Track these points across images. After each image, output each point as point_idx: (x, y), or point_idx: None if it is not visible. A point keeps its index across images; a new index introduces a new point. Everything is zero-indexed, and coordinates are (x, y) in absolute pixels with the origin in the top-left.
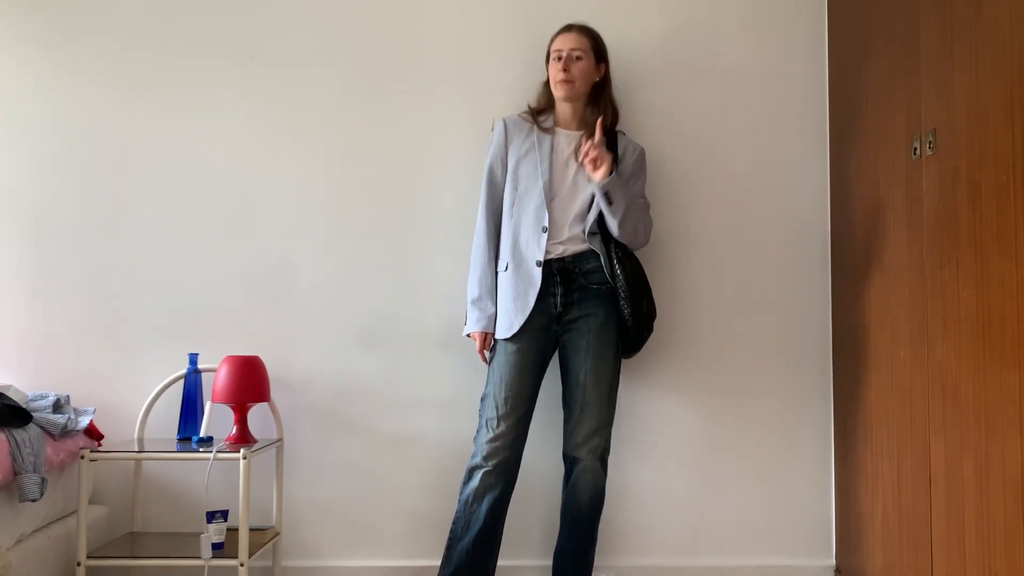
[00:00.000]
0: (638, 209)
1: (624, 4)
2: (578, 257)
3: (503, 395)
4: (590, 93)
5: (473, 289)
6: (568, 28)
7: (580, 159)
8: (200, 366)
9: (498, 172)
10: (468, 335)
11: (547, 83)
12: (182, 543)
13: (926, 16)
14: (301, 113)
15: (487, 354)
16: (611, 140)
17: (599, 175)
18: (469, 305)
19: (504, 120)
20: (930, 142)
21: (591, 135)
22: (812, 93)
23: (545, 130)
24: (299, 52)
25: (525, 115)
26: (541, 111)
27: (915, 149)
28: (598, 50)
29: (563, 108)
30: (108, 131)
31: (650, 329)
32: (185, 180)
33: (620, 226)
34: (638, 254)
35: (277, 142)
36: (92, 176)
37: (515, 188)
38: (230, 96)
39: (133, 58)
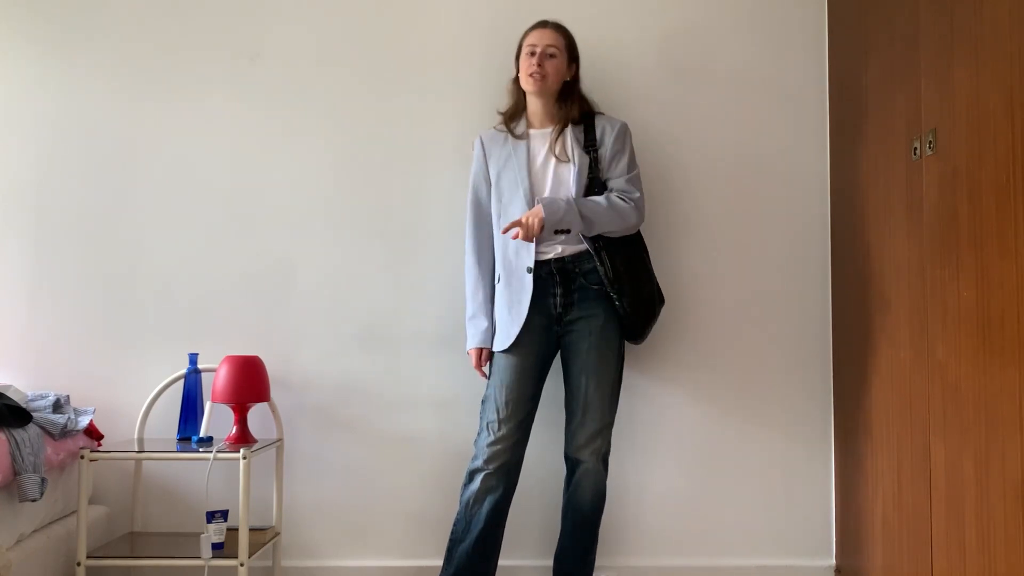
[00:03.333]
0: (600, 210)
1: (624, 5)
2: (577, 257)
3: (504, 398)
4: (560, 90)
5: (468, 307)
6: (543, 24)
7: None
8: (200, 366)
9: (483, 189)
10: (468, 352)
11: (515, 80)
12: (182, 543)
13: (926, 16)
14: (301, 113)
15: (485, 369)
16: (587, 125)
17: (530, 240)
18: (466, 322)
19: (480, 137)
20: (930, 142)
21: (563, 130)
22: (812, 93)
23: (519, 137)
24: (299, 52)
25: (499, 126)
26: (512, 116)
27: (915, 149)
28: (571, 50)
29: (533, 105)
30: (108, 131)
31: (653, 315)
32: (185, 180)
33: (592, 233)
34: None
35: (277, 142)
36: (92, 176)
37: (500, 200)
38: (230, 96)
39: (133, 58)
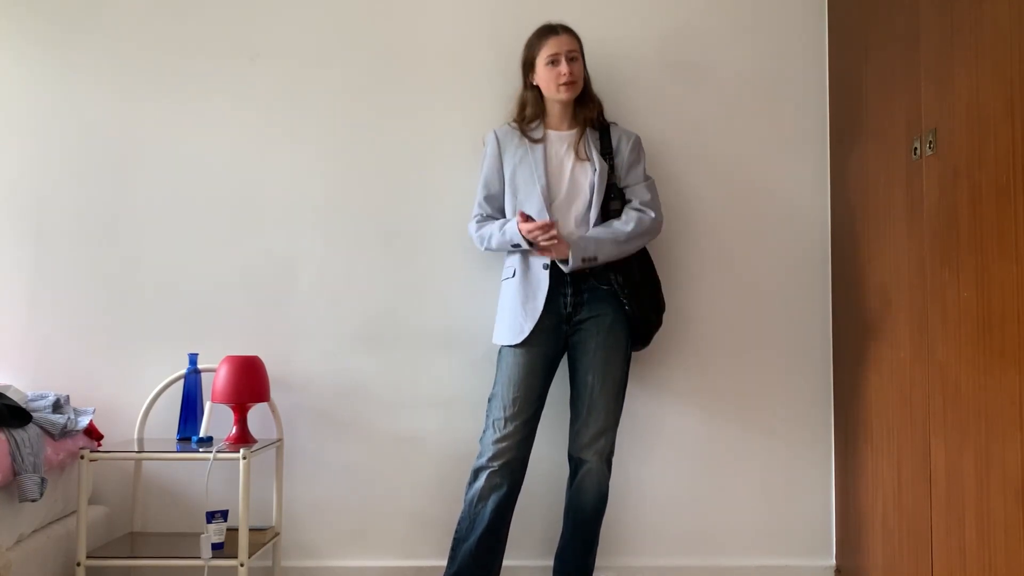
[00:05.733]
0: (621, 238)
1: (624, 6)
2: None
3: (511, 396)
4: None
5: (495, 237)
6: (555, 31)
7: (539, 246)
8: (200, 366)
9: (496, 183)
10: (522, 237)
11: (528, 89)
12: (182, 543)
13: (926, 16)
14: (301, 113)
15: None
16: (603, 133)
17: (562, 261)
18: (498, 233)
19: (495, 132)
20: (930, 142)
21: (584, 131)
22: (812, 93)
23: (536, 140)
24: (299, 52)
25: (513, 124)
26: (529, 120)
27: (915, 149)
28: (582, 50)
29: (554, 110)
30: (108, 131)
31: (658, 323)
32: (185, 180)
33: (619, 258)
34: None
35: (277, 142)
36: (92, 176)
37: (514, 196)
38: (230, 96)
39: (133, 58)
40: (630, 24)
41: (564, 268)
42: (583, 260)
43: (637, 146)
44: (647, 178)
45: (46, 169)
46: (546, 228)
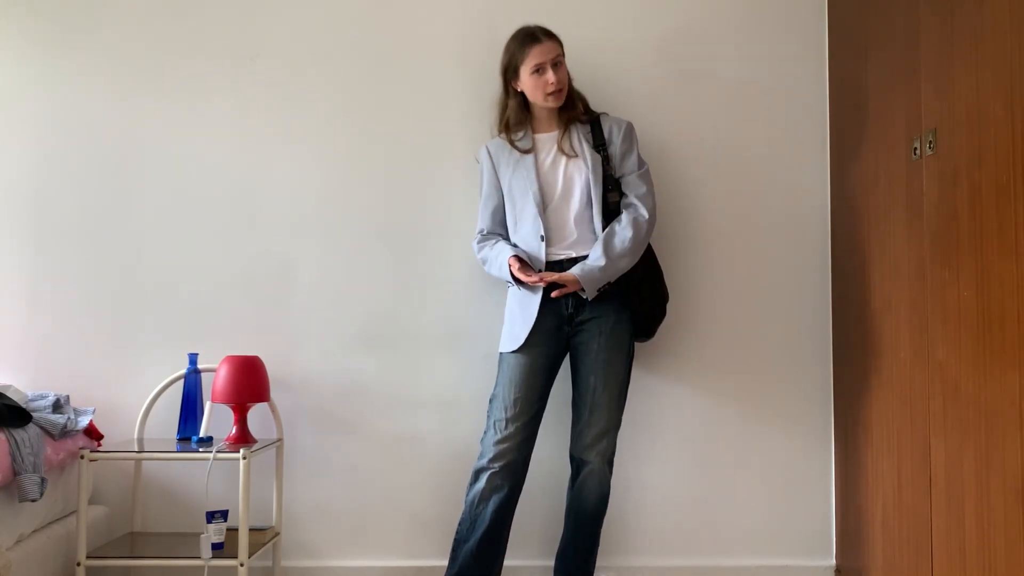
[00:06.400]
0: (626, 253)
1: (624, 8)
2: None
3: (512, 396)
4: None
5: (491, 259)
6: (537, 38)
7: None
8: (200, 366)
9: (496, 197)
10: (511, 271)
11: (512, 96)
12: (182, 543)
13: (926, 16)
14: (301, 113)
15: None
16: (594, 125)
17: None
18: (494, 260)
19: (487, 146)
20: (930, 142)
21: (568, 128)
22: (812, 93)
23: (526, 151)
24: (299, 52)
25: (503, 137)
26: (516, 127)
27: (915, 149)
28: (563, 51)
29: (541, 114)
30: (108, 131)
31: (662, 313)
32: (185, 180)
33: (627, 270)
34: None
35: (277, 142)
36: (92, 176)
37: (513, 206)
38: (230, 96)
39: (133, 58)
40: (629, 26)
41: (584, 296)
42: (598, 290)
43: (629, 134)
44: (641, 165)
45: (46, 169)
46: (534, 281)
